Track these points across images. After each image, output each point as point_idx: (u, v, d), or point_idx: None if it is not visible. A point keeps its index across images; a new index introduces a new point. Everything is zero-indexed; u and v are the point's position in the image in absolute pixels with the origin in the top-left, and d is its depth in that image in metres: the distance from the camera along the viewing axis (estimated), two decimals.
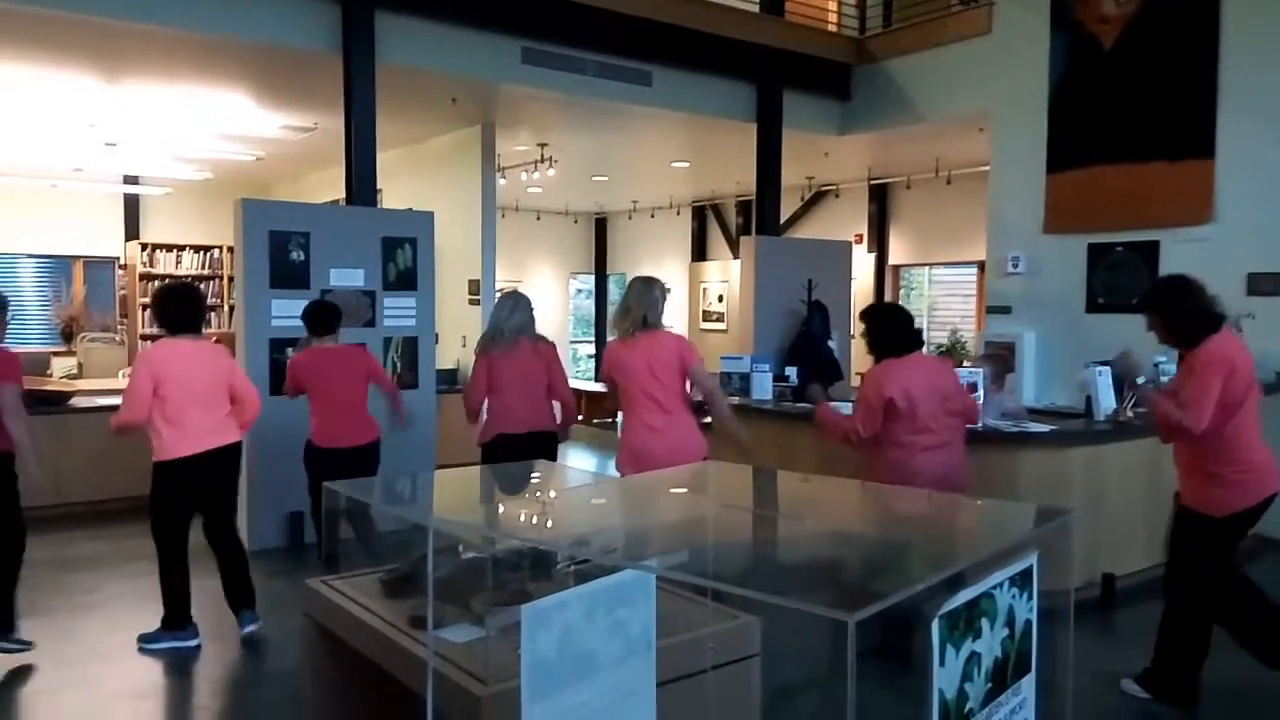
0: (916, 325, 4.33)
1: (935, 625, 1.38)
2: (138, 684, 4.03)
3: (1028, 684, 1.71)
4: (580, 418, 12.33)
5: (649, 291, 4.38)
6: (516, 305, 4.93)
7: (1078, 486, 5.11)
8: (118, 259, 12.15)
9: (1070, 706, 1.92)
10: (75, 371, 10.02)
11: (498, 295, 6.09)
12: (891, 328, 4.22)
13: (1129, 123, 7.02)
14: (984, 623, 1.52)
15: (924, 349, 4.31)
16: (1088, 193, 7.24)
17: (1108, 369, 5.55)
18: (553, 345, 5.06)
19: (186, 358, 4.32)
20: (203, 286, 12.00)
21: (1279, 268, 6.18)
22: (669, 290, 4.65)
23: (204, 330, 4.75)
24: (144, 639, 4.40)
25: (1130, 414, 5.40)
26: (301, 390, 5.14)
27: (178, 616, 4.42)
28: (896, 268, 11.98)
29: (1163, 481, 5.47)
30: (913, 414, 4.08)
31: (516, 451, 4.70)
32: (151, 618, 4.84)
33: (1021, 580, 1.63)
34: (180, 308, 4.44)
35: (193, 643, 4.40)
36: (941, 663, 1.40)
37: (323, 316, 5.20)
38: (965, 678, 1.48)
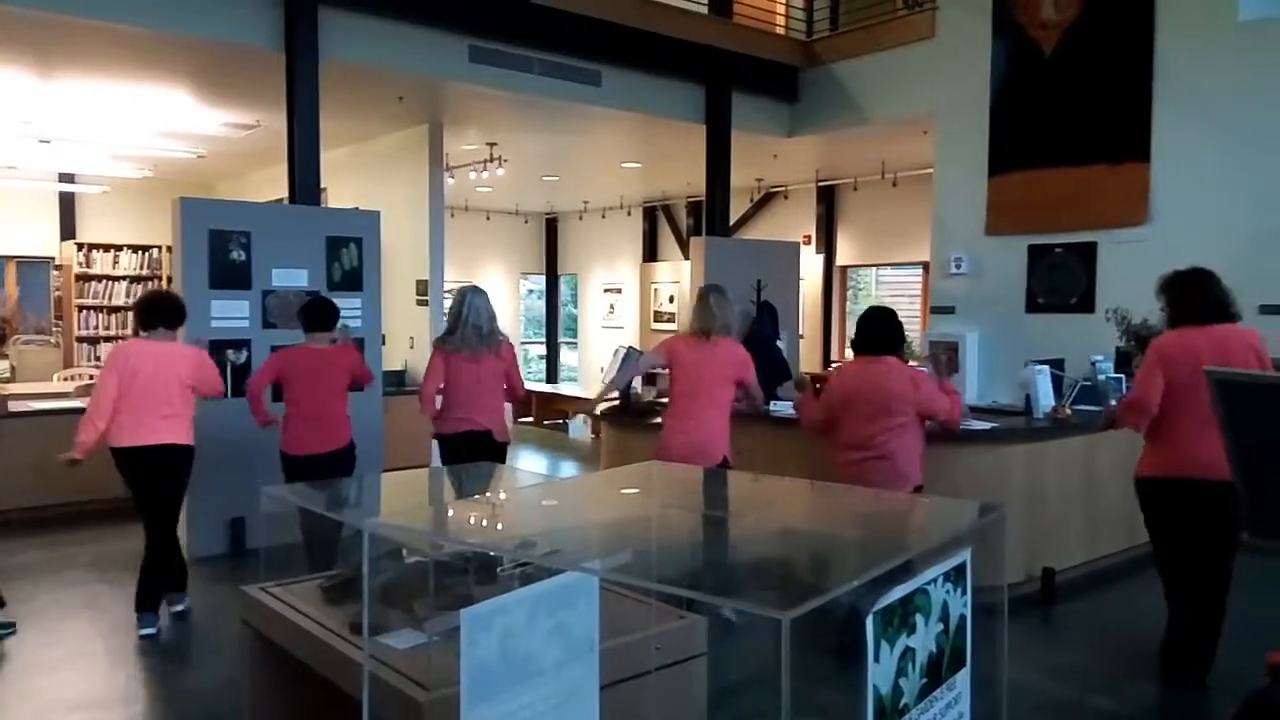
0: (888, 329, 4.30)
1: (869, 621, 1.39)
2: (77, 694, 3.92)
3: (963, 679, 1.73)
4: (530, 419, 12.31)
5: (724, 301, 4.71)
6: (484, 310, 4.96)
7: (1018, 483, 5.21)
8: (53, 259, 11.80)
9: (1005, 700, 1.95)
10: (8, 375, 9.70)
11: (449, 291, 6.06)
12: (860, 328, 4.32)
13: (1068, 126, 7.18)
14: (918, 618, 1.54)
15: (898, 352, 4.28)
16: (1028, 195, 7.40)
17: (1047, 368, 5.67)
18: (512, 346, 5.12)
19: (151, 356, 4.55)
20: (141, 287, 11.73)
21: (1211, 266, 6.33)
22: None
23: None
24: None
25: (1069, 412, 5.52)
26: (274, 383, 4.97)
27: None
28: (844, 268, 12.11)
29: (1100, 477, 5.63)
30: (842, 412, 4.19)
31: (467, 450, 4.79)
32: (87, 625, 4.73)
33: (956, 576, 1.65)
34: (154, 307, 4.68)
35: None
36: (876, 658, 1.42)
37: (320, 313, 5.01)
38: (900, 673, 1.49)
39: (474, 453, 4.81)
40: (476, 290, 5.04)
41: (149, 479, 4.55)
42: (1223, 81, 6.49)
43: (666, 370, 4.82)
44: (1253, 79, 6.36)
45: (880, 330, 4.25)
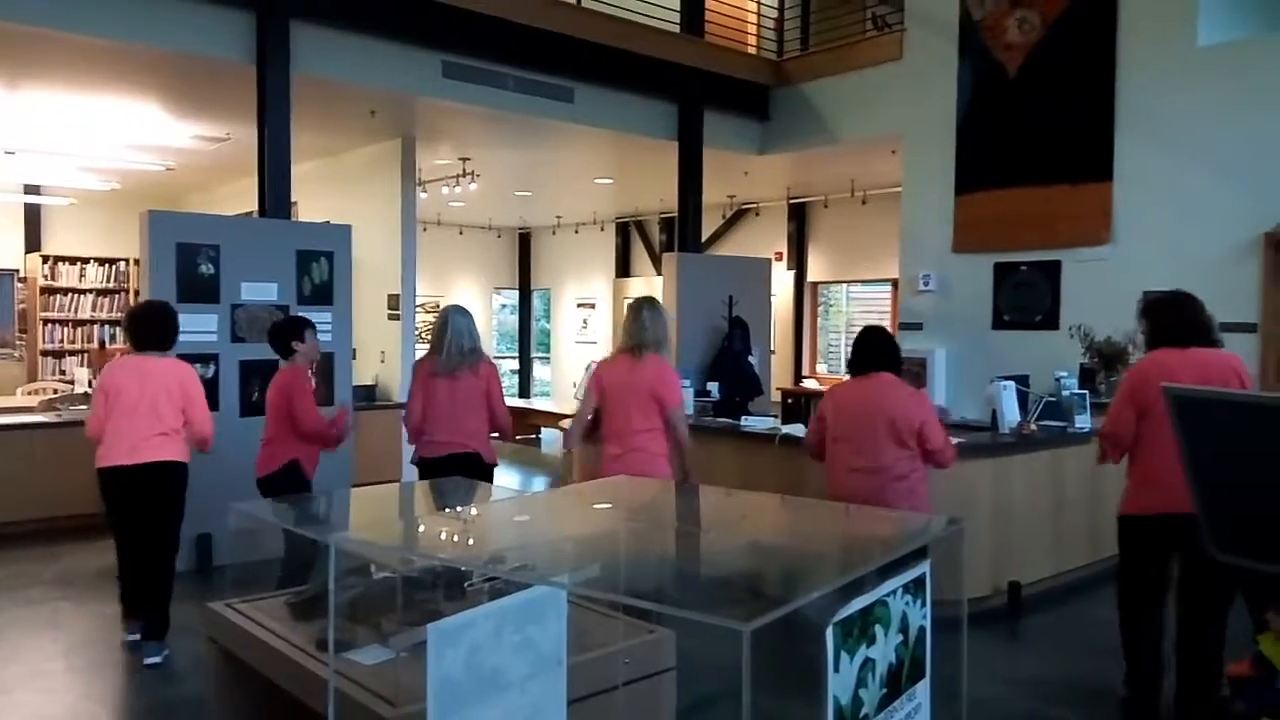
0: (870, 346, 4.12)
1: (829, 632, 1.41)
2: (33, 716, 3.85)
3: (922, 689, 1.76)
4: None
5: (645, 313, 4.38)
6: (466, 330, 4.75)
7: (984, 497, 5.27)
8: (17, 271, 11.63)
9: (965, 712, 1.98)
10: None
11: (420, 306, 5.94)
12: (857, 345, 4.16)
13: (1032, 147, 7.32)
14: (878, 629, 1.57)
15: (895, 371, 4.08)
16: (994, 214, 7.52)
17: (1012, 384, 5.76)
18: (493, 364, 4.88)
19: (137, 373, 4.43)
20: (108, 301, 11.59)
21: (1172, 286, 6.46)
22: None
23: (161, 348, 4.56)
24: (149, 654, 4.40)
25: (1034, 427, 5.61)
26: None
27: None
28: (815, 285, 12.22)
29: (1065, 493, 5.71)
30: (836, 432, 4.05)
31: (452, 474, 4.52)
32: (48, 644, 4.65)
33: (915, 587, 1.68)
34: (142, 326, 4.56)
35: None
36: (836, 669, 1.44)
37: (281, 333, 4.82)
38: (860, 684, 1.52)
39: (463, 473, 4.53)
40: (459, 310, 4.89)
41: (135, 501, 4.39)
42: (1183, 104, 6.65)
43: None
44: (1212, 102, 6.52)
45: (878, 348, 4.08)
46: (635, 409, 4.27)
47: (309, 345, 4.74)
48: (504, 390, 4.88)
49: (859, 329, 4.33)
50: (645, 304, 4.46)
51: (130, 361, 4.54)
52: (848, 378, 4.22)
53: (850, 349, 4.25)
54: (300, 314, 5.49)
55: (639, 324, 4.35)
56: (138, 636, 4.45)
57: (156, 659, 4.36)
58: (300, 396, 4.61)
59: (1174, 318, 3.71)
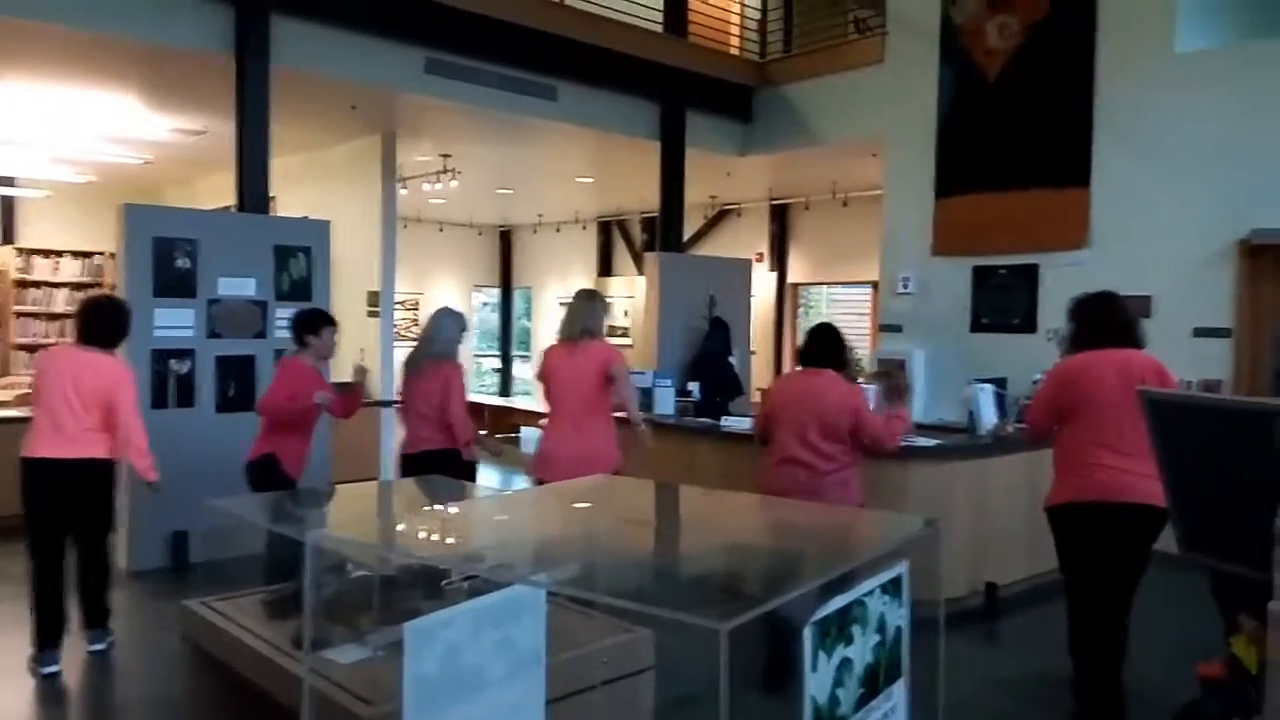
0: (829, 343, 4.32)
1: (807, 632, 1.42)
2: (10, 712, 3.80)
3: (899, 689, 1.77)
4: (485, 432, 12.22)
5: (589, 303, 4.78)
6: (439, 333, 4.87)
7: (961, 499, 5.31)
8: None
9: (942, 711, 1.99)
10: None
11: (400, 303, 5.92)
12: (806, 340, 4.39)
13: (1011, 151, 7.37)
14: (855, 629, 1.57)
15: (843, 369, 4.28)
16: (973, 218, 7.57)
17: (990, 386, 5.80)
18: (458, 367, 4.91)
19: (71, 365, 4.30)
20: (83, 295, 11.44)
21: (1148, 290, 6.56)
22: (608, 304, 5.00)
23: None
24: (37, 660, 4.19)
25: (1010, 429, 5.65)
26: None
27: (39, 635, 4.19)
28: (796, 286, 12.26)
29: (1042, 494, 5.73)
30: (777, 421, 4.23)
31: (428, 470, 4.65)
32: (22, 642, 4.58)
33: (892, 588, 1.69)
34: (90, 320, 4.42)
35: (47, 669, 4.16)
36: (814, 668, 1.44)
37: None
38: (837, 683, 1.52)
39: (438, 472, 4.69)
40: (449, 312, 5.01)
41: (59, 496, 4.25)
42: (1161, 110, 6.72)
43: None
44: (1189, 108, 6.59)
45: (824, 345, 4.30)
46: (583, 393, 4.63)
47: (322, 342, 4.73)
48: (458, 392, 4.81)
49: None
50: (579, 295, 4.89)
51: (66, 353, 4.43)
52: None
53: (802, 342, 4.48)
54: (322, 309, 5.35)
55: (571, 313, 4.80)
56: (56, 669, 4.18)
57: (101, 645, 4.39)
58: (275, 388, 4.66)
59: (1096, 319, 3.86)
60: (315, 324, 4.73)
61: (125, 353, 5.85)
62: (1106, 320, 3.84)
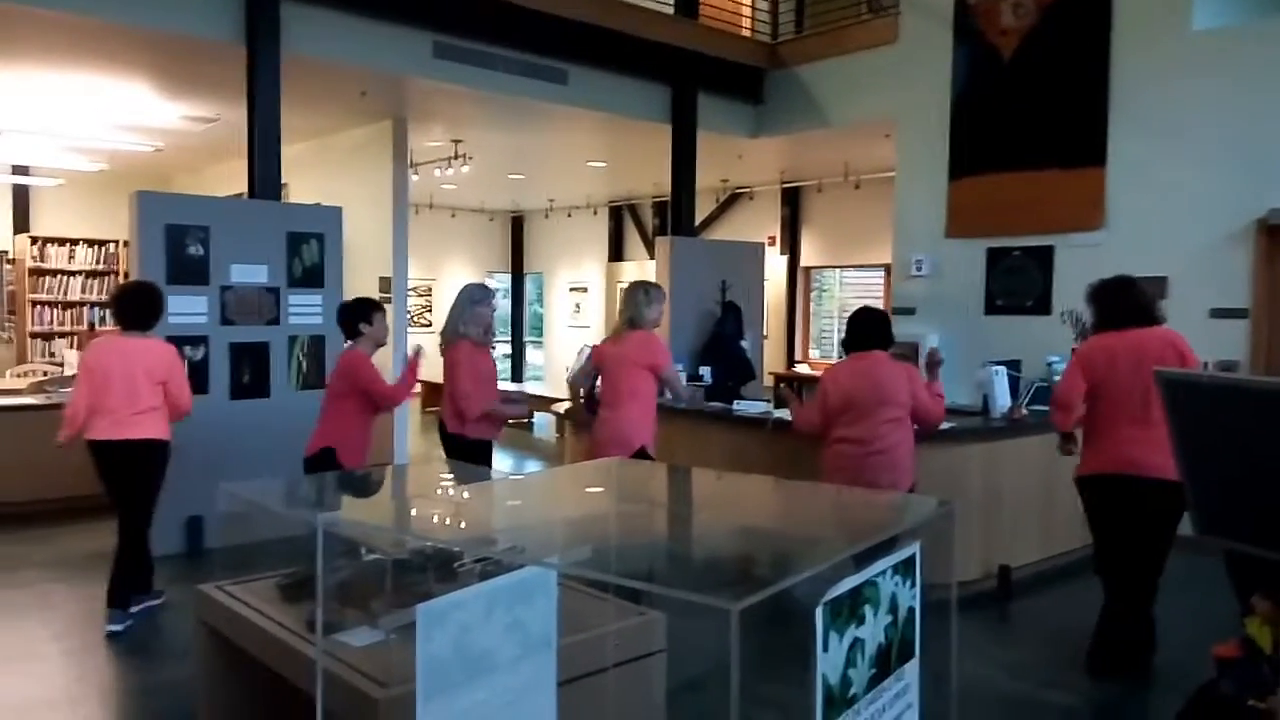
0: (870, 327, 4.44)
1: (819, 612, 1.41)
2: (21, 697, 3.84)
3: (911, 669, 1.76)
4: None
5: (632, 294, 4.88)
6: (449, 312, 5.02)
7: (975, 481, 5.29)
8: (6, 253, 11.55)
9: (955, 694, 1.98)
10: None
11: (413, 289, 5.96)
12: (850, 326, 4.49)
13: (1025, 131, 7.30)
14: (867, 609, 1.57)
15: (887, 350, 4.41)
16: (987, 199, 7.51)
17: (1003, 369, 5.76)
18: (466, 346, 4.94)
19: (118, 352, 4.54)
20: (97, 283, 11.52)
21: (1164, 271, 6.50)
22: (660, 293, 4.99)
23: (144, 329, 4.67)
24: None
25: (1025, 412, 5.62)
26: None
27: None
28: (808, 269, 12.22)
29: (1056, 477, 5.72)
30: (842, 410, 4.29)
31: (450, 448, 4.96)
32: (38, 626, 4.65)
33: (904, 568, 1.68)
34: (126, 306, 4.64)
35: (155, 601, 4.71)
36: (825, 649, 1.44)
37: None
38: (849, 663, 1.52)
39: (450, 451, 4.98)
40: (462, 290, 5.10)
41: (116, 474, 4.54)
42: (1177, 89, 6.63)
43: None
44: (1206, 87, 6.50)
45: (871, 328, 4.41)
46: (624, 379, 4.76)
47: (376, 328, 4.72)
48: (460, 369, 4.88)
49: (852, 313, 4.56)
50: (632, 286, 4.95)
51: (112, 342, 4.64)
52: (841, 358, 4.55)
53: (845, 327, 4.56)
54: (368, 297, 5.24)
55: (621, 304, 4.93)
56: (119, 628, 4.50)
57: (117, 627, 4.49)
58: (370, 378, 4.62)
59: (1113, 302, 4.10)
60: (367, 311, 4.72)
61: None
62: (1124, 303, 4.06)
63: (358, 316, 4.70)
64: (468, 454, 4.87)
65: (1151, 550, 3.98)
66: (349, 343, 4.71)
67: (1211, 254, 6.42)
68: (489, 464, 5.06)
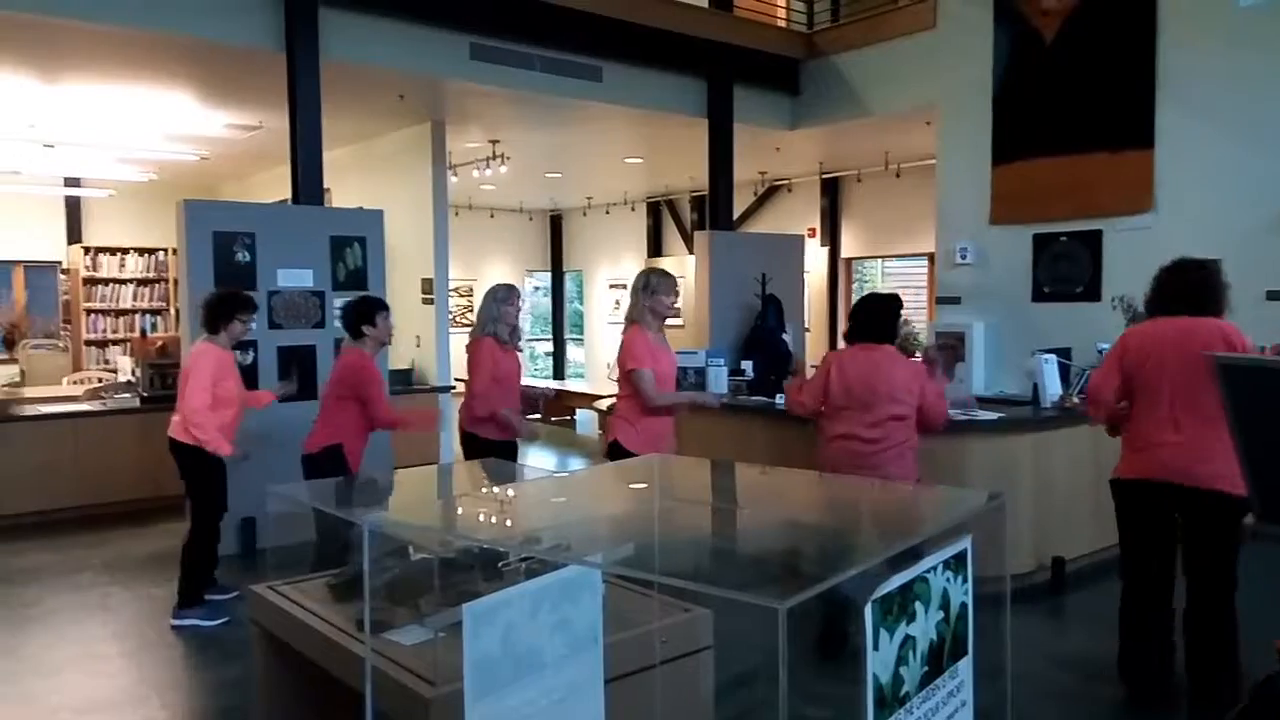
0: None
1: (869, 609, 1.39)
2: (82, 698, 3.94)
3: (965, 666, 1.73)
4: (538, 415, 12.31)
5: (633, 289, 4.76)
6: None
7: (1026, 472, 5.20)
8: (60, 263, 11.86)
9: (1010, 688, 1.95)
10: (18, 379, 9.77)
11: (454, 290, 5.99)
12: (857, 314, 4.28)
13: (1070, 114, 7.14)
14: (918, 606, 1.54)
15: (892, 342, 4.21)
16: (1032, 184, 7.36)
17: (1053, 357, 5.66)
18: (488, 344, 4.93)
19: (192, 355, 4.91)
20: (148, 290, 11.78)
21: (1218, 253, 6.29)
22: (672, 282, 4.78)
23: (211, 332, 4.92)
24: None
25: (1076, 400, 5.51)
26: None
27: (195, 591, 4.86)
28: (849, 260, 12.09)
29: (1108, 467, 5.59)
30: (842, 403, 4.13)
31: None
32: (98, 628, 4.76)
33: (956, 563, 1.65)
34: (207, 312, 4.90)
35: (210, 622, 4.76)
36: (875, 646, 1.42)
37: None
38: (900, 661, 1.49)
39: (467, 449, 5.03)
40: (489, 290, 5.15)
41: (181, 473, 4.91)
42: (1224, 68, 6.45)
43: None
44: (1253, 65, 6.31)
45: (875, 318, 4.20)
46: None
47: (380, 329, 4.62)
48: (478, 368, 4.90)
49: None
50: (644, 273, 4.80)
51: (197, 348, 4.93)
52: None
53: (850, 315, 4.33)
54: (375, 295, 5.27)
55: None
56: (216, 621, 4.78)
57: (175, 621, 4.74)
58: (370, 385, 4.53)
59: (1161, 288, 3.74)
60: (371, 311, 4.60)
61: (185, 347, 6.01)
62: (1171, 288, 3.70)
63: (361, 316, 4.58)
64: (485, 455, 4.83)
65: (1203, 571, 3.54)
66: (351, 342, 4.63)
67: (1265, 235, 6.23)
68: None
